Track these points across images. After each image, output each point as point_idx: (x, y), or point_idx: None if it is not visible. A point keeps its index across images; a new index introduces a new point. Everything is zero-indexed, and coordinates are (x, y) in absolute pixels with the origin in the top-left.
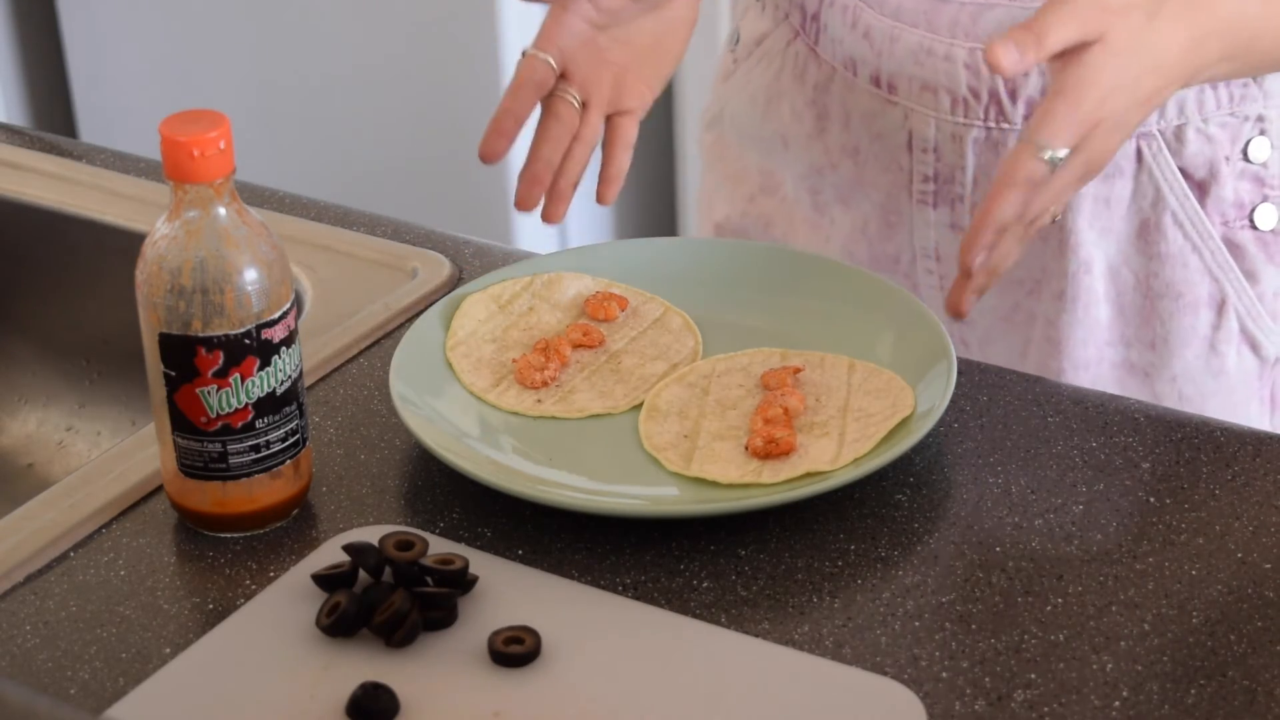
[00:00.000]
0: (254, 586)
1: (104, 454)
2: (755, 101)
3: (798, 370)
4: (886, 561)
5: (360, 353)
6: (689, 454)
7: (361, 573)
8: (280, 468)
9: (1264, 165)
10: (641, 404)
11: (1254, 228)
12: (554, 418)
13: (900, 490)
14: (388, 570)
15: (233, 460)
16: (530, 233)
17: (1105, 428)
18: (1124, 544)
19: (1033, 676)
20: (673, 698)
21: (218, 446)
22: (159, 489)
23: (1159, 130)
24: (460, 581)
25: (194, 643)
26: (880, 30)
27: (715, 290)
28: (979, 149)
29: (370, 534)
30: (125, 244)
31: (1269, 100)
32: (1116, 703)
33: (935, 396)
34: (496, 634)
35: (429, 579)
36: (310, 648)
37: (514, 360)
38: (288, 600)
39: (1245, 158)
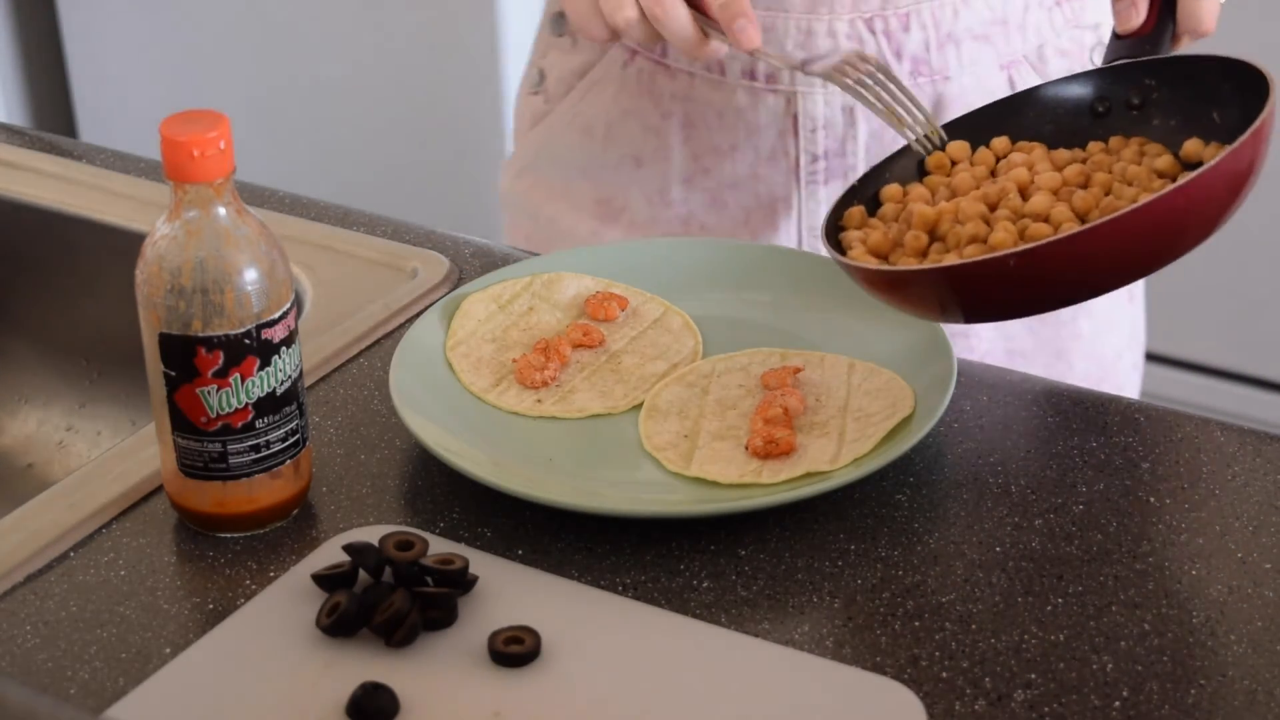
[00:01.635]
0: (254, 586)
1: (104, 454)
2: (591, 132)
3: (797, 370)
4: (886, 561)
5: (360, 353)
6: (689, 454)
7: (361, 573)
8: (280, 468)
9: None
10: (641, 404)
11: None
12: (554, 418)
13: (900, 490)
14: (388, 570)
15: (233, 460)
16: None
17: (1105, 428)
18: (1124, 544)
19: (1033, 676)
20: (673, 698)
21: (218, 446)
22: (159, 489)
23: (1024, 56)
24: (460, 581)
25: (194, 643)
26: None
27: (715, 290)
28: (871, 115)
29: (370, 534)
30: (125, 244)
31: (1100, 6)
32: (1116, 703)
33: (935, 396)
34: (496, 634)
35: (429, 579)
36: (310, 648)
37: (514, 360)
38: (288, 600)
39: (1093, 64)
